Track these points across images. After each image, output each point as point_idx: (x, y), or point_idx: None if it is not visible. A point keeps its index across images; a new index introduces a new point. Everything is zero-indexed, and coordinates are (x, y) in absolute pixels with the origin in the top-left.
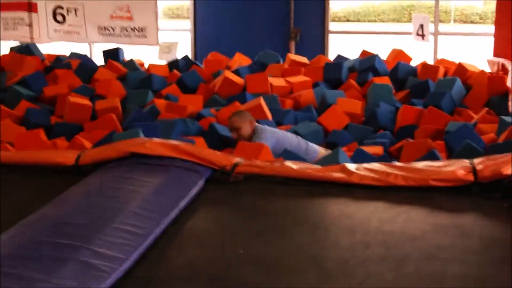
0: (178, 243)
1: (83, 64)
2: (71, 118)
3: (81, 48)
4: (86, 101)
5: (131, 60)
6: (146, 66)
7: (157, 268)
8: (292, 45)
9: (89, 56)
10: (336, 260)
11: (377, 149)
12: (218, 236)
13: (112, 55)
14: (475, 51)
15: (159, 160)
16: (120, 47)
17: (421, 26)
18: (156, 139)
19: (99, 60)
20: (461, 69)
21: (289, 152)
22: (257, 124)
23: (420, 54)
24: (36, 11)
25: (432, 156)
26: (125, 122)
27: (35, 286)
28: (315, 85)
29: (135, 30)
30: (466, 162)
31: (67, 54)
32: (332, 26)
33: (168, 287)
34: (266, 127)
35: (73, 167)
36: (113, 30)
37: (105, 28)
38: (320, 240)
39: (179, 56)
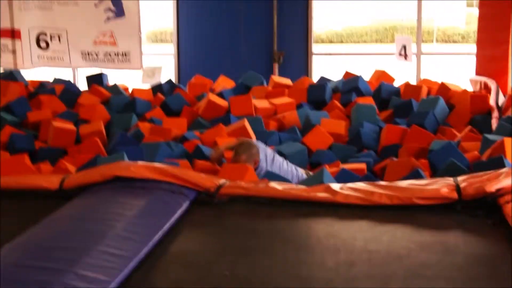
0: (163, 265)
1: (67, 89)
2: (55, 142)
3: (65, 74)
4: (70, 126)
5: (115, 85)
6: (130, 90)
7: None
8: (276, 67)
9: (72, 81)
10: (321, 280)
11: (361, 166)
12: (204, 257)
13: (96, 80)
14: (458, 71)
15: (143, 183)
16: (103, 72)
17: (404, 46)
18: (140, 162)
19: (83, 85)
20: (443, 89)
21: (271, 173)
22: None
23: (403, 74)
24: (19, 37)
25: (416, 175)
26: (109, 146)
27: None
28: (299, 106)
29: (119, 55)
30: (450, 180)
31: (51, 79)
32: (315, 48)
33: None
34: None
35: (58, 191)
36: (97, 55)
37: (88, 53)
38: (305, 260)
39: (163, 80)
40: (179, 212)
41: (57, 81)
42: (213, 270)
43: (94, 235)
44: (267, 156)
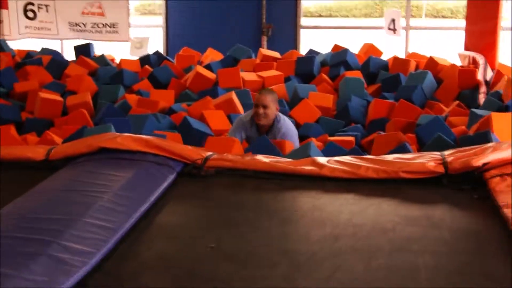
0: (148, 237)
1: (54, 60)
2: (42, 114)
3: (52, 44)
4: (57, 97)
5: (102, 56)
6: (117, 61)
7: (127, 262)
8: (264, 40)
9: (60, 52)
10: (306, 253)
11: (349, 138)
12: (189, 230)
13: (83, 50)
14: (446, 46)
15: (130, 154)
16: (91, 42)
17: (393, 20)
18: (127, 134)
19: (70, 56)
20: (432, 63)
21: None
22: (280, 115)
23: (391, 48)
24: (6, 7)
25: (403, 149)
26: (96, 117)
27: (6, 282)
28: (287, 79)
29: (107, 26)
30: (436, 154)
31: (38, 50)
32: (304, 21)
33: (138, 281)
34: (287, 120)
35: (44, 162)
36: (84, 26)
37: (76, 24)
38: (291, 233)
39: (151, 51)
40: (165, 184)
41: (44, 51)
42: (198, 242)
43: (79, 207)
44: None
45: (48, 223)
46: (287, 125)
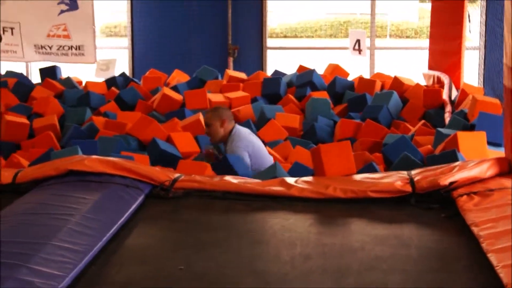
0: (118, 260)
1: (20, 83)
2: (8, 136)
3: (18, 67)
4: (23, 120)
5: (68, 78)
6: (83, 83)
7: (97, 285)
8: (230, 61)
9: (25, 74)
10: (277, 273)
11: None
12: (159, 251)
13: (49, 73)
14: (411, 66)
15: (98, 177)
16: (57, 65)
17: (358, 41)
18: (94, 156)
19: (36, 78)
20: (397, 83)
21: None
22: (237, 127)
23: (357, 68)
24: None
25: (370, 168)
26: (63, 140)
27: None
28: (253, 100)
29: (73, 48)
30: (404, 174)
31: (3, 72)
32: (269, 42)
33: None
34: (244, 133)
35: (11, 186)
36: (50, 49)
37: (42, 46)
38: (261, 254)
39: (117, 73)
40: (134, 206)
41: (9, 74)
42: (168, 264)
43: (47, 230)
44: (250, 143)
45: (17, 246)
46: (235, 137)
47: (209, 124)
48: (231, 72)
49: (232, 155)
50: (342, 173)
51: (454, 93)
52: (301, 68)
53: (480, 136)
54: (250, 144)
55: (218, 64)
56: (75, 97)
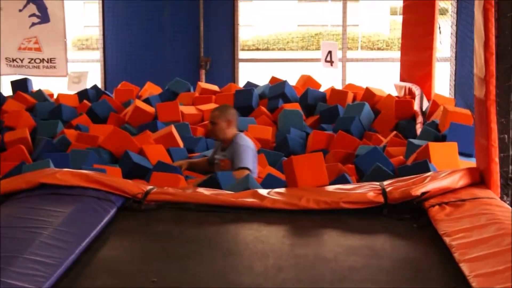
0: (90, 273)
1: None
2: None
3: None
4: None
5: (40, 91)
6: (55, 96)
7: None
8: (202, 73)
9: None
10: (250, 285)
11: None
12: (131, 264)
13: (20, 86)
14: (382, 77)
15: (70, 190)
16: (28, 78)
17: (330, 52)
18: (66, 169)
19: (7, 91)
20: (369, 94)
21: None
22: (240, 134)
23: (329, 80)
24: None
25: (343, 180)
26: (34, 153)
27: None
28: None
29: (44, 61)
30: (376, 185)
31: None
32: (241, 54)
33: None
34: (248, 142)
35: None
36: (22, 62)
37: (13, 59)
38: (235, 265)
39: (89, 86)
40: (106, 219)
41: None
42: (140, 277)
43: (19, 243)
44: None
45: None
46: (239, 143)
47: (215, 123)
48: (203, 84)
49: (221, 173)
50: (314, 184)
51: (426, 104)
52: (273, 79)
53: (451, 147)
54: (254, 153)
55: (190, 76)
56: (46, 110)
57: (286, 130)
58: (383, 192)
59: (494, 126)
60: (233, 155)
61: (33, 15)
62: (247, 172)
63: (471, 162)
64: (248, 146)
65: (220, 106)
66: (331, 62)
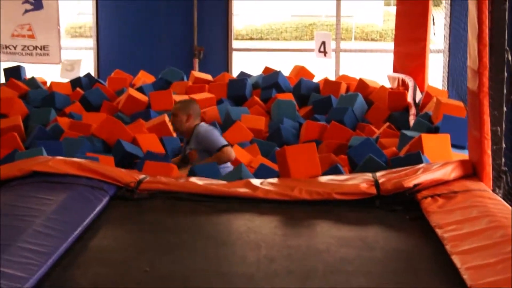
0: (83, 261)
1: None
2: None
3: None
4: None
5: (33, 78)
6: (48, 84)
7: (61, 287)
8: (196, 62)
9: None
10: (243, 275)
11: None
12: (123, 253)
13: (13, 73)
14: (376, 68)
15: (63, 178)
16: (21, 65)
17: (323, 43)
18: (59, 157)
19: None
20: (362, 85)
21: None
22: (200, 123)
23: (322, 70)
24: None
25: (335, 170)
26: (27, 141)
27: None
28: (219, 102)
29: (37, 48)
30: (368, 176)
31: None
32: (235, 44)
33: None
34: (208, 126)
35: None
36: (15, 49)
37: (6, 46)
38: (227, 256)
39: (82, 74)
40: (98, 208)
41: None
42: (133, 266)
43: (12, 231)
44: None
45: None
46: (201, 130)
47: (175, 114)
48: (196, 73)
49: (199, 166)
50: (307, 175)
51: (419, 96)
52: (266, 69)
53: (444, 139)
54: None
55: (184, 65)
56: (39, 97)
57: (279, 120)
58: (376, 184)
59: (487, 118)
60: (203, 143)
61: (26, 1)
62: (229, 148)
63: (464, 154)
64: (211, 128)
65: (184, 99)
66: (325, 52)
